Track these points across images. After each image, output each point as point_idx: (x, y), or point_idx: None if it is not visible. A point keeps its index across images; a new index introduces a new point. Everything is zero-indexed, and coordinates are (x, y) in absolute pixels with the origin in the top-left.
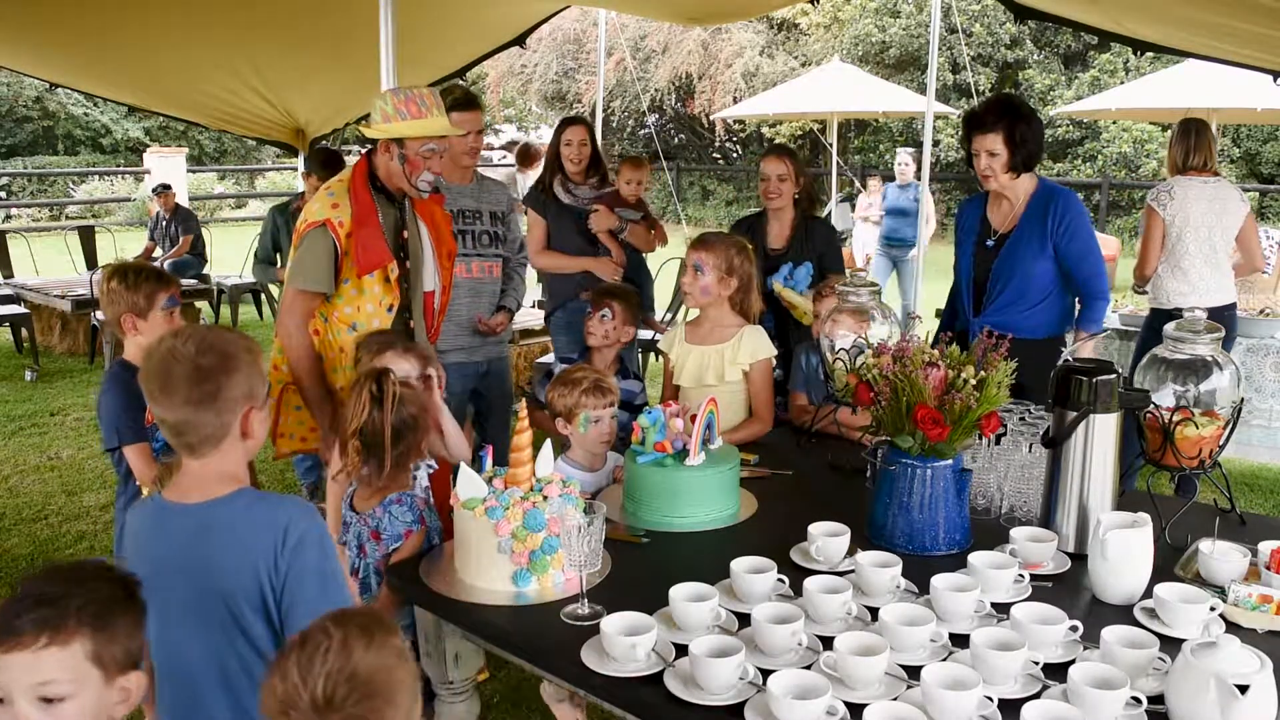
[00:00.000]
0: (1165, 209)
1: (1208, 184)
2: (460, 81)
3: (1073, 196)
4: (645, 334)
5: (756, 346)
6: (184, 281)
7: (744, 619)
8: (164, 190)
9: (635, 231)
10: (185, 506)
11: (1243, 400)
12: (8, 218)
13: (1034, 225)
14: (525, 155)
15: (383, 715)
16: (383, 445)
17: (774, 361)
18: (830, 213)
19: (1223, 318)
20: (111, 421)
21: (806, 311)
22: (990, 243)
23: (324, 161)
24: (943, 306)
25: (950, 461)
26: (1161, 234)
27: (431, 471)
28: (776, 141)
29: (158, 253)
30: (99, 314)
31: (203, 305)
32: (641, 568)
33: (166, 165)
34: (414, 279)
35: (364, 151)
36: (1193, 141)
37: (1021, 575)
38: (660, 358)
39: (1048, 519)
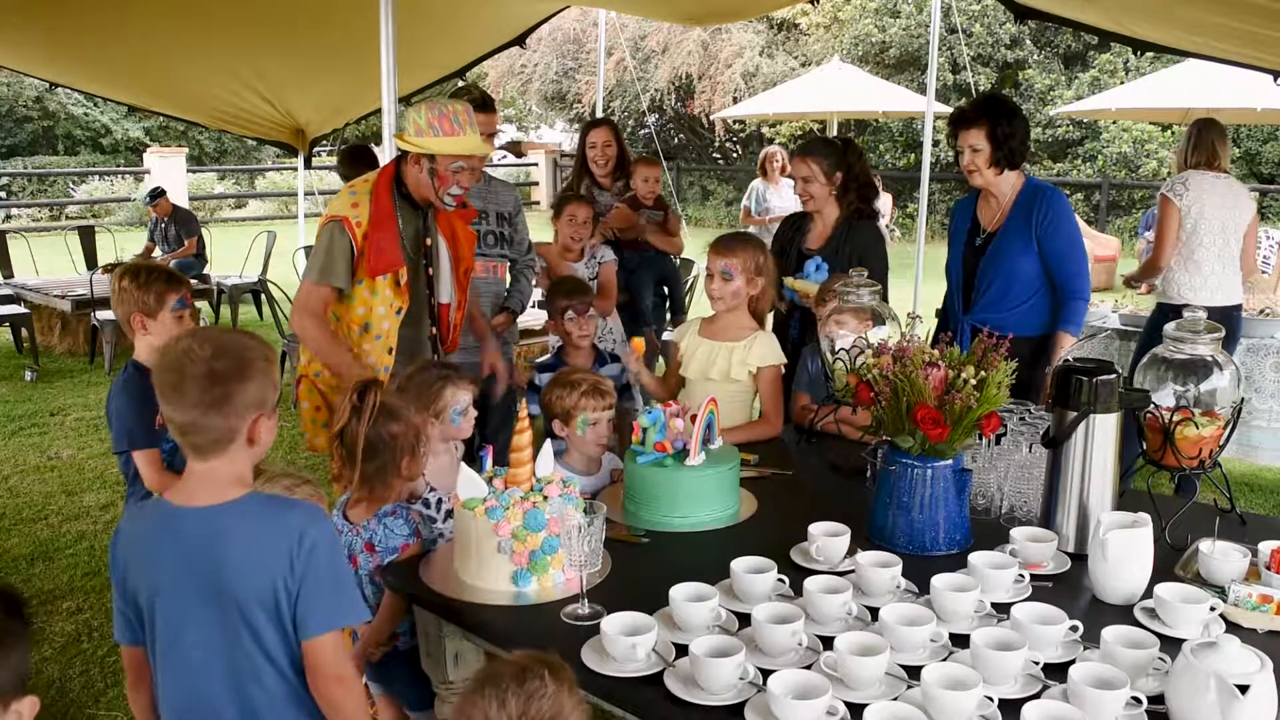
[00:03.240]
0: (1181, 199)
1: (1219, 179)
2: (473, 83)
3: (1058, 194)
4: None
5: (766, 352)
6: None
7: (744, 619)
8: (158, 198)
9: (657, 234)
10: (194, 510)
11: (1243, 400)
12: (8, 218)
13: (1019, 223)
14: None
15: None
16: (354, 456)
17: (782, 369)
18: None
19: (1228, 318)
20: (123, 424)
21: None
22: (979, 241)
23: (350, 157)
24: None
25: (950, 461)
26: (1177, 224)
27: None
28: (811, 138)
29: (157, 253)
30: (99, 314)
31: (203, 305)
32: (641, 568)
33: (166, 165)
34: (436, 287)
35: (394, 157)
36: (1196, 140)
37: (1021, 575)
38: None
39: (1048, 519)
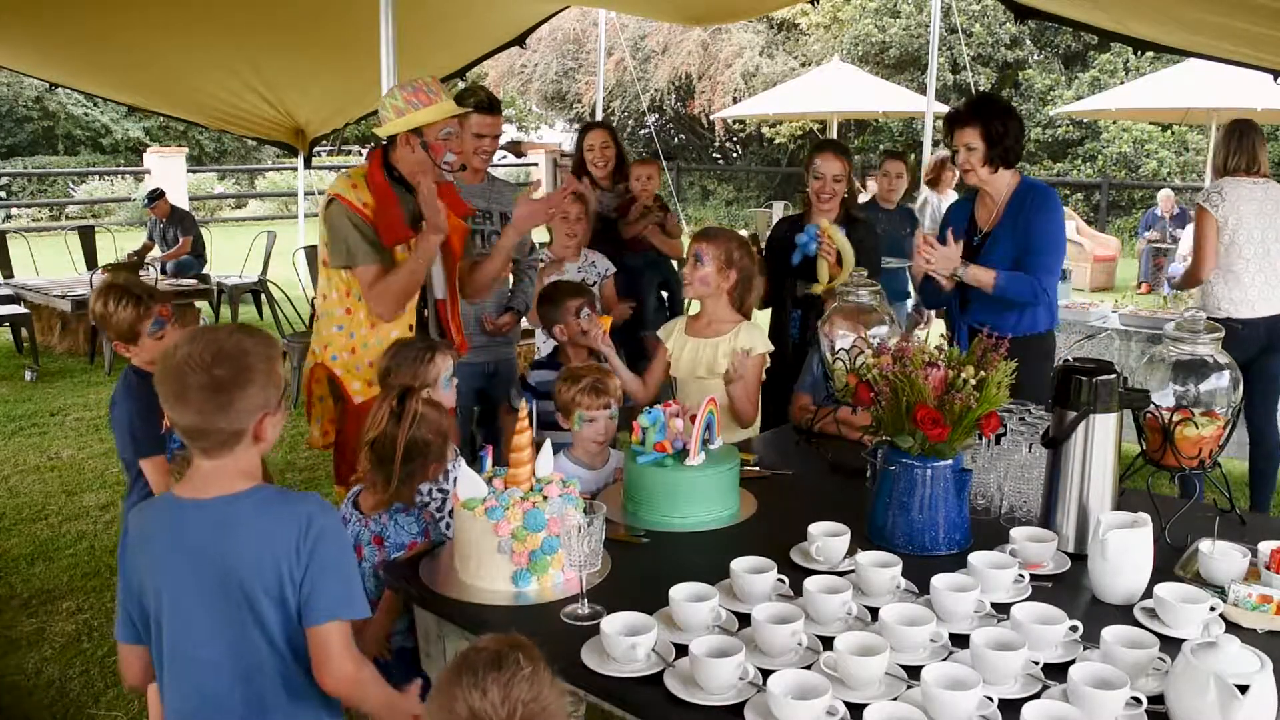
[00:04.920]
0: (1217, 209)
1: (1257, 184)
2: (477, 84)
3: (1050, 192)
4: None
5: (753, 341)
6: (184, 282)
7: (744, 619)
8: (156, 199)
9: (658, 235)
10: (202, 502)
11: (1243, 400)
12: (8, 218)
13: (1012, 221)
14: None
15: None
16: (393, 461)
17: (768, 359)
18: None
19: (1274, 330)
20: (128, 431)
21: (847, 254)
22: (975, 241)
23: None
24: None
25: (950, 461)
26: (1215, 235)
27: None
28: (828, 138)
29: (156, 251)
30: None
31: (203, 305)
32: (641, 568)
33: (166, 165)
34: (430, 278)
35: (377, 147)
36: (1235, 143)
37: (1021, 575)
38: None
39: (1048, 519)
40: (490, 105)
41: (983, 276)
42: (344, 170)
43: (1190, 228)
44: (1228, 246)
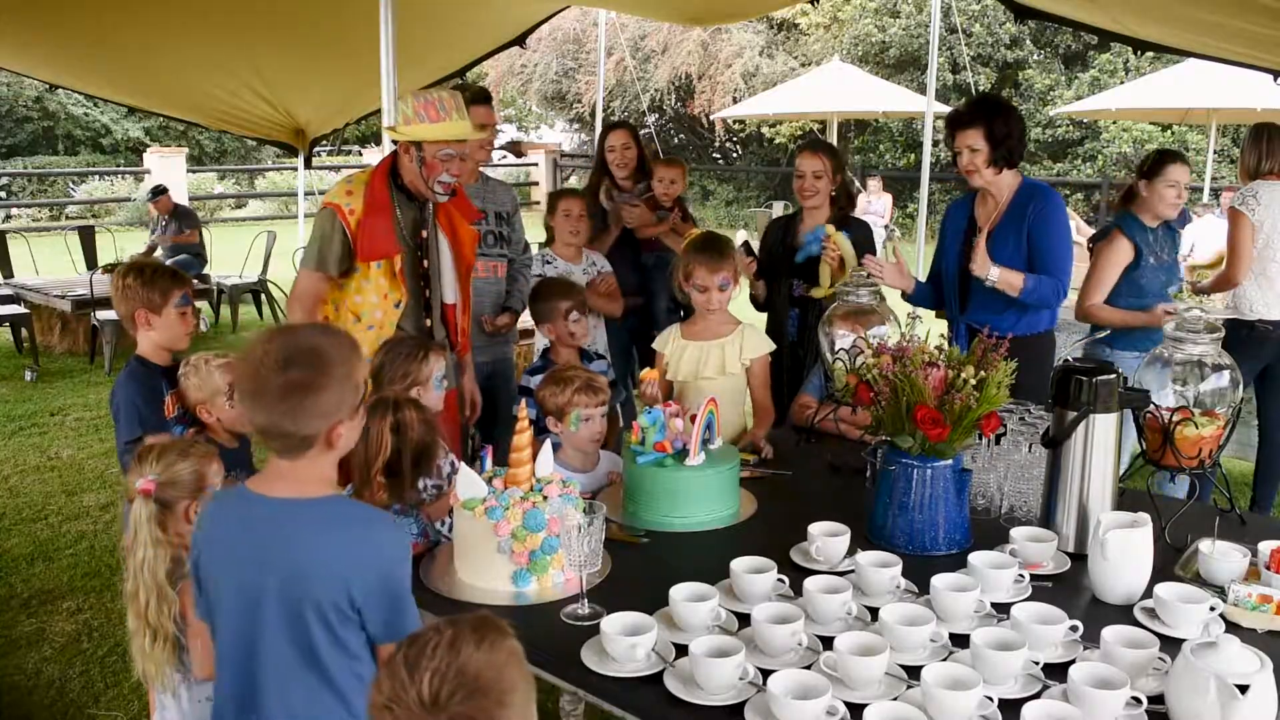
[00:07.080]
0: (1254, 213)
1: None
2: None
3: (1053, 193)
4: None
5: (758, 343)
6: None
7: (744, 619)
8: (159, 195)
9: (672, 236)
10: (270, 500)
11: (1243, 400)
12: (8, 218)
13: (1015, 222)
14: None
15: (492, 716)
16: (403, 474)
17: (769, 358)
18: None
19: None
20: (133, 412)
21: (850, 260)
22: (976, 240)
23: None
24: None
25: (950, 461)
26: (1251, 238)
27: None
28: (814, 137)
29: (159, 253)
30: (99, 314)
31: (203, 305)
32: (641, 568)
33: (166, 165)
34: (433, 281)
35: (393, 149)
36: (1265, 146)
37: (1021, 575)
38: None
39: (1048, 519)
40: (479, 96)
41: (1014, 280)
42: (348, 175)
43: (1190, 228)
44: (1261, 249)
